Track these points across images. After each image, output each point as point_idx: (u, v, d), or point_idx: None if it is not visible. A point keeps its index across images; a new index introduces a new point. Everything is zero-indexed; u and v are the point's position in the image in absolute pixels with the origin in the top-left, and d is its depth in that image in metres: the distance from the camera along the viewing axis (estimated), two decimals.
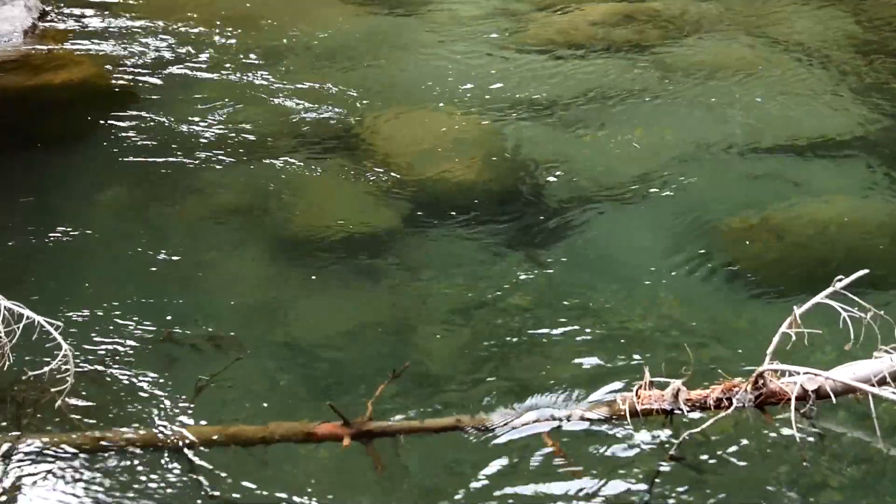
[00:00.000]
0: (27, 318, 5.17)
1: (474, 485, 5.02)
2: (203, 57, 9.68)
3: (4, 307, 5.17)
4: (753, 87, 9.20)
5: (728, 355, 5.72)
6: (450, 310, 6.33)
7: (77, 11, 10.56)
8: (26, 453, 5.05)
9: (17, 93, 8.91)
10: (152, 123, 8.45)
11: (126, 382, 5.60)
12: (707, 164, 7.98)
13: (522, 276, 6.66)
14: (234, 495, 4.98)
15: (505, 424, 5.16)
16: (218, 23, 10.40)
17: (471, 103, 8.94)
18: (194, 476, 5.02)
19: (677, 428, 4.99)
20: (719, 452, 5.08)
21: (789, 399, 4.79)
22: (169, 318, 6.13)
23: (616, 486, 4.97)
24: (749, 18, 10.72)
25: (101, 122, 8.49)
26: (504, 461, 5.09)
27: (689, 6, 11.01)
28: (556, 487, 4.98)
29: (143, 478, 5.00)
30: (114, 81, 9.15)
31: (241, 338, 6.02)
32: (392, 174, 7.79)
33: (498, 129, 8.54)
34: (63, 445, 5.08)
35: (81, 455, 5.07)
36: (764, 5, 11.04)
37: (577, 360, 5.80)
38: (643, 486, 4.97)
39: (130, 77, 9.25)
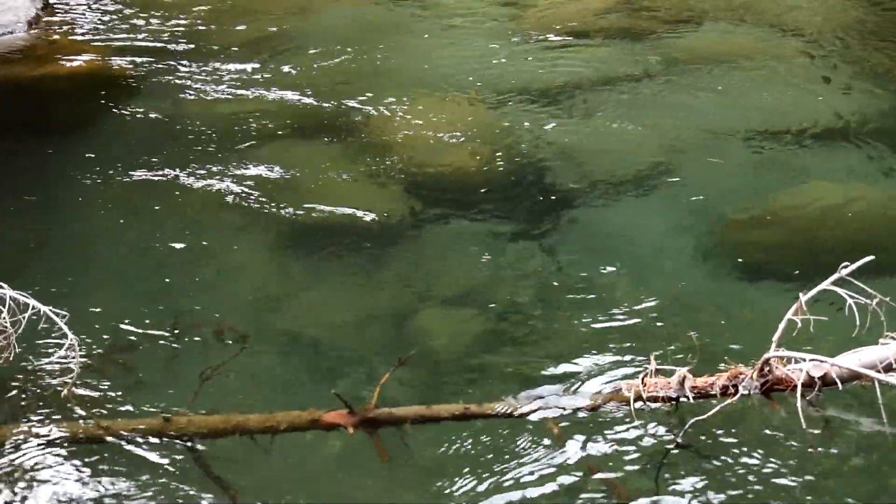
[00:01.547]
0: (32, 308, 5.17)
1: (479, 473, 5.02)
2: (207, 47, 9.68)
3: (10, 297, 5.18)
4: (758, 74, 9.18)
5: (734, 342, 5.71)
6: (455, 298, 6.34)
7: (80, 2, 10.55)
8: (32, 443, 5.04)
9: (20, 83, 8.92)
10: (156, 114, 8.46)
11: (131, 372, 5.61)
12: (712, 153, 7.97)
13: (528, 265, 6.67)
14: (240, 484, 4.98)
15: (511, 412, 5.15)
16: (222, 13, 10.40)
17: (475, 92, 8.93)
18: (199, 465, 5.02)
19: (683, 415, 4.98)
20: (725, 439, 5.07)
21: (795, 386, 4.77)
22: (174, 307, 6.14)
23: (623, 474, 4.96)
24: (754, 6, 10.69)
25: (105, 112, 8.50)
26: (510, 449, 5.09)
27: None
28: (561, 475, 4.98)
29: (149, 467, 5.00)
30: (117, 72, 9.15)
31: (246, 327, 6.02)
32: (396, 163, 7.79)
33: (503, 117, 8.53)
34: (68, 435, 5.08)
35: (87, 445, 5.07)
36: None
37: (582, 348, 5.79)
38: (649, 474, 4.96)
39: (134, 67, 9.25)
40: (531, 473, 4.98)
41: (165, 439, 5.07)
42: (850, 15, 10.36)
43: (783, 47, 9.72)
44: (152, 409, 5.28)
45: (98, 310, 6.06)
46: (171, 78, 9.07)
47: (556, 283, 6.48)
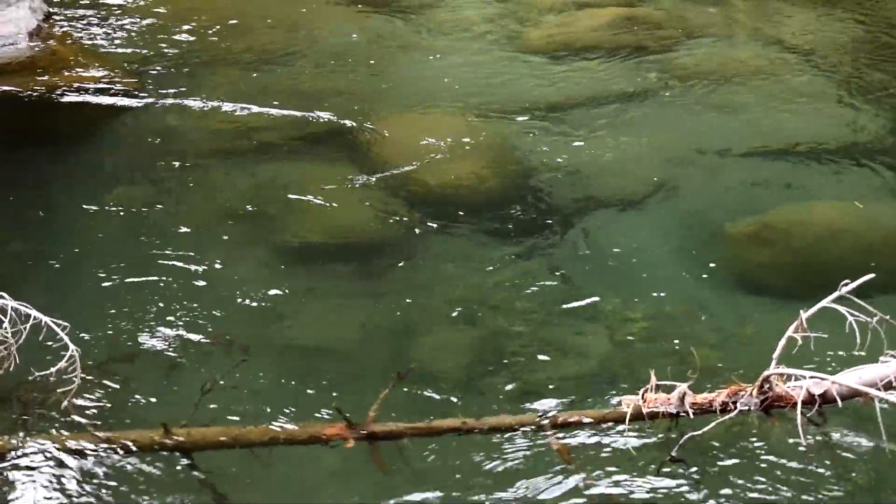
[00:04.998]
0: (34, 318, 5.17)
1: (478, 487, 5.02)
2: (207, 58, 9.69)
3: (11, 307, 5.17)
4: (757, 90, 9.21)
5: (734, 359, 5.73)
6: (454, 312, 6.34)
7: (81, 13, 10.56)
8: (32, 454, 5.04)
9: (22, 94, 8.91)
10: (157, 125, 8.46)
11: (132, 384, 5.60)
12: (711, 169, 8.01)
13: (527, 280, 6.67)
14: (239, 497, 4.98)
15: (509, 427, 5.15)
16: (222, 25, 10.40)
17: (474, 107, 8.94)
18: (199, 478, 5.02)
19: (684, 431, 4.98)
20: (725, 456, 5.09)
21: (795, 403, 4.77)
22: (174, 319, 6.14)
23: (620, 488, 4.97)
24: (752, 23, 10.72)
25: (106, 123, 8.51)
26: (508, 463, 5.09)
27: (692, 11, 11.03)
28: (559, 490, 4.99)
29: (149, 479, 5.00)
30: (118, 83, 9.14)
31: (246, 340, 6.02)
32: (396, 177, 7.80)
33: (502, 132, 8.54)
34: (69, 446, 5.08)
35: (87, 456, 5.06)
36: (767, 10, 11.05)
37: (582, 363, 5.81)
38: (647, 489, 4.96)
39: (134, 78, 9.25)
40: (528, 487, 4.99)
41: (165, 451, 5.06)
42: (847, 32, 10.40)
43: (781, 64, 9.75)
44: (152, 421, 5.27)
45: (98, 321, 6.06)
46: (171, 89, 9.07)
47: (554, 299, 6.48)
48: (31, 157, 7.97)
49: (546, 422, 5.14)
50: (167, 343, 5.94)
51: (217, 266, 6.74)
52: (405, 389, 5.54)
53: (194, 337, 6.00)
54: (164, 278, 6.54)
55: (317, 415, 5.27)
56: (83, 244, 6.91)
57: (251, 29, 10.42)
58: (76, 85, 9.03)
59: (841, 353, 5.10)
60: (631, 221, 7.37)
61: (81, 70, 9.30)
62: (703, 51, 10.10)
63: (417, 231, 7.22)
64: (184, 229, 7.11)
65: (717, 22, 10.80)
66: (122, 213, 7.27)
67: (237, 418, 5.34)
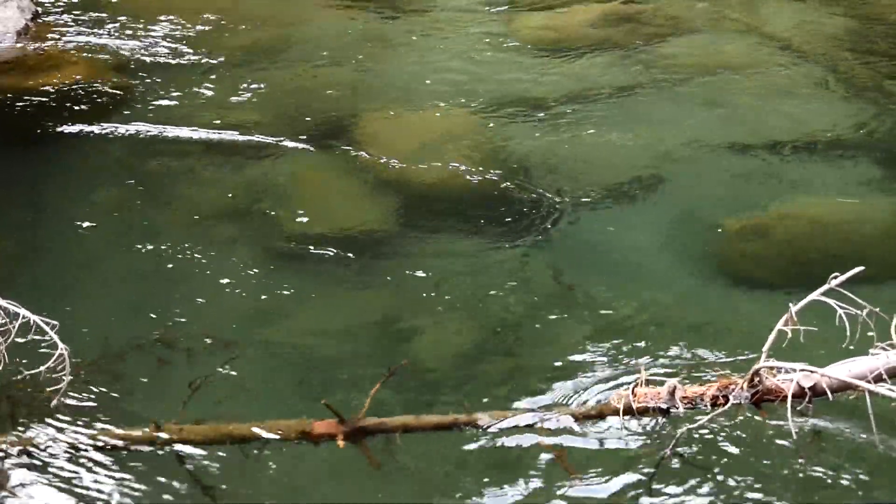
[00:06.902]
0: (23, 317, 5.16)
1: (470, 484, 5.02)
2: (198, 57, 9.67)
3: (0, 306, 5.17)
4: (747, 85, 9.22)
5: (724, 353, 5.72)
6: (445, 308, 6.34)
7: (70, 12, 10.54)
8: (21, 453, 5.03)
9: (10, 94, 8.89)
10: (147, 123, 8.44)
11: (121, 381, 5.59)
12: (702, 163, 8.01)
13: (517, 276, 6.67)
14: (229, 493, 4.97)
15: (501, 423, 5.15)
16: (211, 23, 10.38)
17: (465, 103, 8.94)
18: (189, 474, 5.01)
19: (675, 425, 4.98)
20: (716, 450, 5.08)
21: (786, 396, 4.78)
22: (164, 317, 6.13)
23: (611, 485, 4.98)
24: (742, 17, 10.74)
25: (96, 122, 8.48)
26: (500, 460, 5.09)
27: (682, 5, 11.04)
28: (551, 486, 4.99)
29: (138, 476, 4.99)
30: (108, 82, 9.13)
31: (236, 337, 6.01)
32: (387, 173, 7.80)
33: (493, 128, 8.55)
34: (58, 445, 5.07)
35: (76, 454, 5.05)
36: (756, 4, 11.06)
37: (572, 359, 5.80)
38: (639, 485, 4.96)
39: (124, 77, 9.24)
40: (520, 483, 4.99)
41: (155, 448, 5.06)
42: (834, 26, 10.41)
43: (768, 59, 9.77)
44: (141, 419, 5.27)
45: (88, 320, 6.04)
46: (160, 89, 9.07)
47: (545, 294, 6.49)
48: (19, 156, 7.97)
49: (537, 417, 5.15)
50: (157, 341, 5.93)
51: (207, 264, 6.73)
52: (396, 386, 5.53)
53: (184, 334, 5.99)
54: (154, 276, 6.55)
55: (307, 411, 5.24)
56: (72, 243, 6.90)
57: (241, 27, 10.41)
58: (64, 84, 9.01)
59: (831, 346, 5.09)
60: (622, 216, 7.37)
61: (70, 69, 9.28)
62: (692, 45, 10.12)
63: (408, 226, 7.22)
64: (173, 227, 7.10)
65: (707, 16, 10.80)
66: (110, 212, 7.26)
67: (227, 415, 5.32)
